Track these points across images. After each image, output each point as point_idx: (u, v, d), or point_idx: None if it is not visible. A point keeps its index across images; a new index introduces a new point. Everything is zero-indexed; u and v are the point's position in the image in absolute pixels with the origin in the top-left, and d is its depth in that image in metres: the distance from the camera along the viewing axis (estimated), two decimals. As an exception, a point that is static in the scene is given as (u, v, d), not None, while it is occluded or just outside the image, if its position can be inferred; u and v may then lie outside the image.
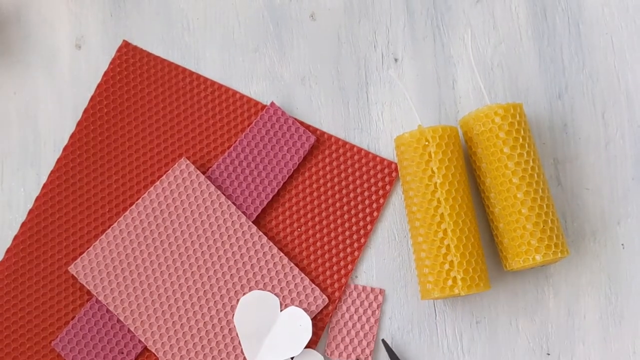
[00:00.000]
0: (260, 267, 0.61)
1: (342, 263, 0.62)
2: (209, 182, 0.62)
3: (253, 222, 0.62)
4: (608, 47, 0.65)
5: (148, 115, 0.64)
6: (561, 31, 0.65)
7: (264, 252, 0.61)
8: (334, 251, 0.62)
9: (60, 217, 0.62)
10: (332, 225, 0.62)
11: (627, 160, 0.63)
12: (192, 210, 0.61)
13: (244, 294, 0.60)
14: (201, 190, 0.62)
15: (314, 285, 0.61)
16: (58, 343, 0.59)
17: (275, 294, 0.60)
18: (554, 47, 0.65)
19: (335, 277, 0.61)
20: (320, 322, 0.60)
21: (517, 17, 0.65)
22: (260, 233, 0.61)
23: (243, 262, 0.61)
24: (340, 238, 0.62)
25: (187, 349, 0.59)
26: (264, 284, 0.60)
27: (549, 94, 0.64)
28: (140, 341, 0.59)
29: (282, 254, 0.61)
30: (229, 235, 0.61)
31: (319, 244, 0.62)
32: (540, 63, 0.65)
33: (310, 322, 0.59)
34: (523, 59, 0.65)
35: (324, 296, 0.60)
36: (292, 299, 0.60)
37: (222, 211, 0.61)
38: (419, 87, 0.65)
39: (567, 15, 0.65)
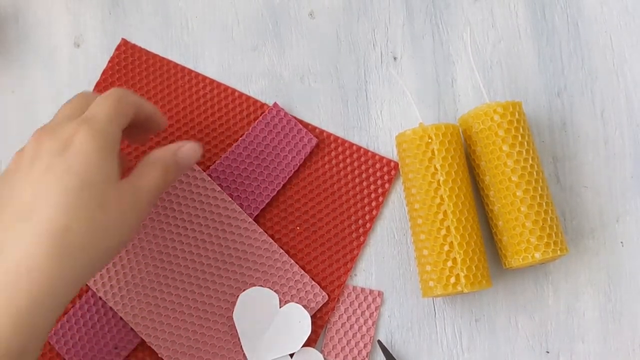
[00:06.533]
0: (260, 264, 0.61)
1: (341, 261, 0.62)
2: (210, 179, 0.62)
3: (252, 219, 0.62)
4: (607, 46, 0.65)
5: (147, 113, 0.64)
6: (560, 30, 0.65)
7: (264, 249, 0.61)
8: (333, 249, 0.62)
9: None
10: (331, 224, 0.62)
11: (626, 159, 0.63)
12: (193, 207, 0.61)
13: (244, 290, 0.60)
14: (202, 187, 0.62)
15: (313, 282, 0.60)
16: (52, 336, 0.59)
17: (275, 291, 0.60)
18: (553, 46, 0.65)
19: (335, 275, 0.61)
20: (319, 321, 0.60)
21: (516, 16, 0.65)
22: (261, 230, 0.61)
23: (244, 259, 0.61)
24: (339, 236, 0.62)
25: (188, 345, 0.59)
26: (264, 280, 0.60)
27: (548, 92, 0.64)
28: (135, 335, 0.59)
29: (282, 251, 0.61)
30: (229, 232, 0.61)
31: (318, 242, 0.62)
32: (539, 61, 0.65)
33: (309, 319, 0.59)
34: (522, 57, 0.65)
35: (324, 293, 0.60)
36: (292, 295, 0.60)
37: (223, 208, 0.61)
38: (418, 85, 0.65)
39: (566, 14, 0.65)
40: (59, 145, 0.49)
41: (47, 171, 0.48)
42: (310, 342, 0.60)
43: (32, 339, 0.46)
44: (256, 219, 0.62)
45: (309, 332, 0.59)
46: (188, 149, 0.56)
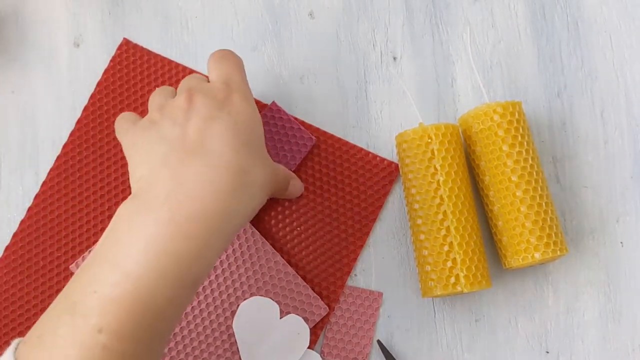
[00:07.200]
0: (262, 273, 0.60)
1: (341, 262, 0.61)
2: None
3: (251, 221, 0.62)
4: (607, 46, 0.65)
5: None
6: (560, 30, 0.65)
7: (266, 259, 0.60)
8: (333, 250, 0.62)
9: (60, 215, 0.62)
10: (331, 225, 0.62)
11: (626, 159, 0.63)
12: None
13: (245, 299, 0.60)
14: None
15: (315, 295, 0.60)
16: None
17: (276, 302, 0.60)
18: (552, 46, 0.65)
19: (336, 275, 0.61)
20: (320, 322, 0.60)
21: (516, 16, 0.65)
22: (264, 240, 0.61)
23: (245, 268, 0.60)
24: (339, 237, 0.62)
25: (186, 352, 0.59)
26: (266, 290, 0.60)
27: (548, 92, 0.64)
28: None
29: (285, 262, 0.61)
30: (233, 241, 0.61)
31: (318, 243, 0.62)
32: (539, 61, 0.65)
33: (308, 331, 0.59)
34: (522, 57, 0.65)
35: (325, 306, 0.60)
36: (293, 307, 0.60)
37: None
38: (418, 85, 0.65)
39: (565, 14, 0.65)
40: (215, 103, 0.51)
41: (212, 120, 0.50)
42: (310, 343, 0.60)
43: (206, 270, 0.48)
44: (254, 221, 0.62)
45: (307, 344, 0.59)
46: (299, 184, 0.61)
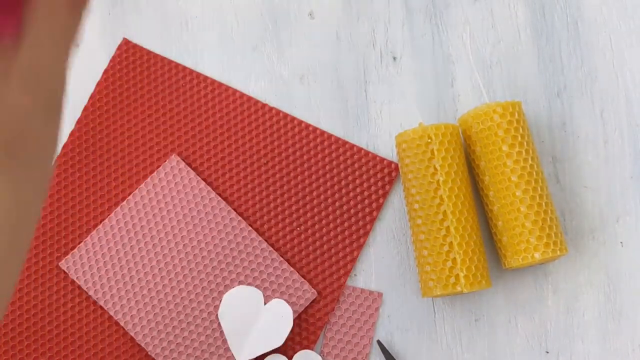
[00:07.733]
0: (249, 261, 0.61)
1: (341, 262, 0.61)
2: (199, 178, 0.62)
3: (246, 217, 0.62)
4: (607, 46, 0.65)
5: (148, 113, 0.64)
6: (560, 30, 0.65)
7: (253, 247, 0.61)
8: (333, 250, 0.62)
9: (52, 212, 0.62)
10: (331, 225, 0.62)
11: (626, 159, 0.63)
12: (182, 206, 0.61)
13: (232, 287, 0.60)
14: (191, 187, 0.62)
15: (302, 279, 0.60)
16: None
17: (264, 288, 0.60)
18: (552, 46, 0.65)
19: (335, 276, 0.61)
20: (319, 322, 0.60)
21: (516, 16, 0.65)
22: (250, 228, 0.61)
23: (232, 257, 0.61)
24: (339, 237, 0.62)
25: (177, 343, 0.59)
26: (253, 278, 0.60)
27: (548, 92, 0.64)
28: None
29: (271, 248, 0.61)
30: (218, 231, 0.61)
31: (318, 243, 0.62)
32: (539, 61, 0.65)
33: (291, 312, 0.59)
34: (522, 57, 0.65)
35: (313, 290, 0.60)
36: (281, 292, 0.60)
37: (212, 207, 0.61)
38: (418, 85, 0.65)
39: (565, 14, 0.65)
40: None
41: None
42: (310, 343, 0.60)
43: None
44: (254, 221, 0.62)
45: (290, 325, 0.59)
46: None
